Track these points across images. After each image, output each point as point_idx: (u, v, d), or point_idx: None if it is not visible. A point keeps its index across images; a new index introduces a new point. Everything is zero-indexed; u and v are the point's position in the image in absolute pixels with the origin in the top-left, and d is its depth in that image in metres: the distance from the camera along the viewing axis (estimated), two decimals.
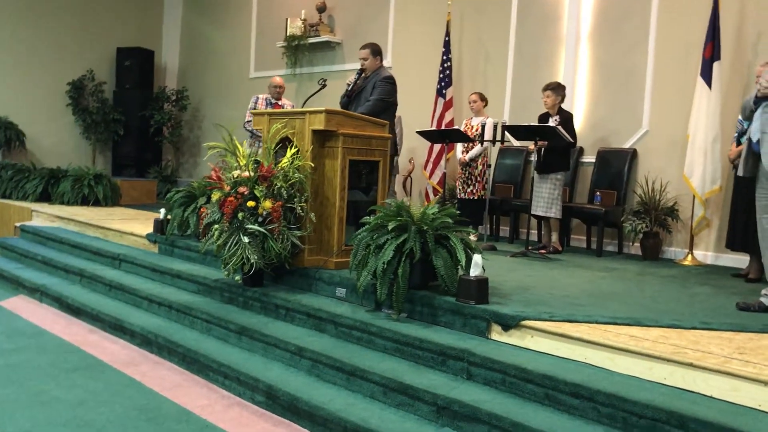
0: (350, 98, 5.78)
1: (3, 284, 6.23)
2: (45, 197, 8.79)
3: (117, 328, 4.69)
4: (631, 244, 6.50)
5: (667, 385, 2.86)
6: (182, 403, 3.55)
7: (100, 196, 8.76)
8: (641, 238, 6.26)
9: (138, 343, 4.47)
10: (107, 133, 11.32)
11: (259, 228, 4.34)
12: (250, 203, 4.38)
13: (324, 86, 5.32)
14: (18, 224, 7.72)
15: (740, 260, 5.65)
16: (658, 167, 6.38)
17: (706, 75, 5.75)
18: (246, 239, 4.37)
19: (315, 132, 4.59)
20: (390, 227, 3.82)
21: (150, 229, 6.19)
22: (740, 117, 4.94)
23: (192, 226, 5.69)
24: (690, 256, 6.00)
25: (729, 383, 2.73)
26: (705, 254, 6.11)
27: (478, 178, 6.67)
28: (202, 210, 5.04)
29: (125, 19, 11.63)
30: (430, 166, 7.67)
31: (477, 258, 3.70)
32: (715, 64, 5.73)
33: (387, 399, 3.28)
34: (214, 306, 4.59)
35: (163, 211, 5.98)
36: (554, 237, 6.37)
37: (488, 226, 7.09)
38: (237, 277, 4.60)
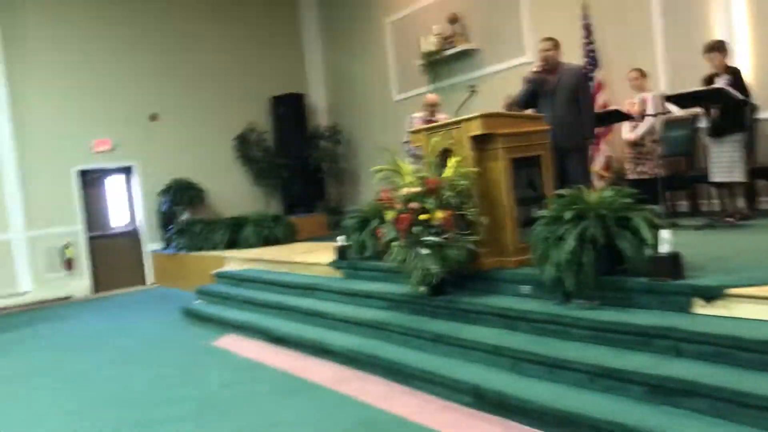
0: (537, 92, 5.76)
1: (213, 327, 6.88)
2: (232, 244, 9.60)
3: (320, 351, 5.03)
4: None
5: None
6: (395, 411, 3.76)
7: (280, 236, 9.47)
8: None
9: (342, 361, 4.77)
10: (275, 178, 12.16)
11: (435, 238, 4.49)
12: (423, 216, 4.55)
13: (474, 92, 5.42)
14: (213, 272, 8.50)
15: None
16: None
17: None
18: (424, 251, 4.53)
19: (473, 138, 4.69)
20: (567, 217, 3.81)
21: (330, 258, 6.56)
22: None
23: (370, 247, 5.98)
24: None
25: None
26: None
27: (648, 156, 6.41)
28: (378, 231, 5.29)
29: (274, 69, 12.49)
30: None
31: (665, 233, 3.59)
32: None
33: (594, 385, 3.27)
34: (405, 319, 4.81)
35: (342, 237, 6.34)
36: (741, 202, 5.96)
37: (666, 203, 6.77)
38: (422, 289, 4.77)
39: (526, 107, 5.93)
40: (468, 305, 4.46)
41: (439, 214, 4.52)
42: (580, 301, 3.85)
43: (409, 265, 4.66)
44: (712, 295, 3.31)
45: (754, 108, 6.36)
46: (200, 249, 9.90)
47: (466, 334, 4.17)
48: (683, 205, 7.03)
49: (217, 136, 11.86)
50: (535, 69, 5.82)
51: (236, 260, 8.49)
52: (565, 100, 5.70)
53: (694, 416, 2.83)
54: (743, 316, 3.19)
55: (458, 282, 4.79)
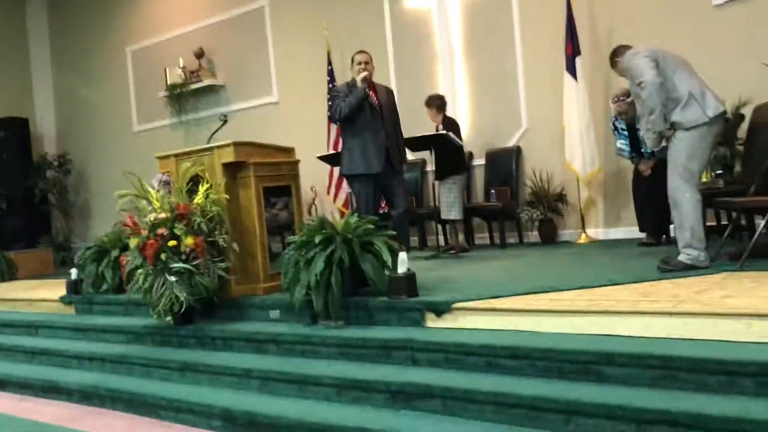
0: (356, 106, 5.16)
1: None
2: None
3: (50, 390, 4.57)
4: (529, 233, 7.00)
5: (590, 334, 3.22)
6: None
7: None
8: (538, 225, 6.78)
9: (78, 400, 4.38)
10: None
11: (184, 265, 4.40)
12: (172, 242, 4.44)
13: (225, 122, 5.45)
14: None
15: (629, 231, 6.25)
16: (542, 159, 6.94)
17: (571, 70, 6.37)
18: (173, 278, 4.41)
19: (225, 165, 4.73)
20: (317, 240, 4.02)
21: (60, 293, 6.02)
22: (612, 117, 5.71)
23: (108, 281, 5.63)
24: (584, 234, 6.55)
25: (641, 321, 3.13)
26: (596, 231, 6.69)
27: None
28: (122, 259, 5.01)
29: None
30: (332, 189, 7.91)
31: (402, 256, 3.97)
32: (578, 59, 6.37)
33: (342, 398, 3.45)
34: (148, 350, 4.60)
35: (74, 270, 5.87)
36: (461, 237, 6.76)
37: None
38: (168, 319, 4.61)
39: (348, 121, 5.26)
40: (217, 333, 4.42)
41: (190, 241, 4.44)
42: (327, 322, 4.05)
43: (156, 294, 4.49)
44: (441, 309, 3.72)
45: (470, 155, 7.31)
46: None
47: (214, 360, 4.12)
48: (414, 239, 7.73)
49: None
50: (366, 77, 5.20)
51: None
52: (391, 120, 5.36)
53: (429, 416, 3.13)
54: (467, 326, 3.64)
55: (207, 310, 4.72)
